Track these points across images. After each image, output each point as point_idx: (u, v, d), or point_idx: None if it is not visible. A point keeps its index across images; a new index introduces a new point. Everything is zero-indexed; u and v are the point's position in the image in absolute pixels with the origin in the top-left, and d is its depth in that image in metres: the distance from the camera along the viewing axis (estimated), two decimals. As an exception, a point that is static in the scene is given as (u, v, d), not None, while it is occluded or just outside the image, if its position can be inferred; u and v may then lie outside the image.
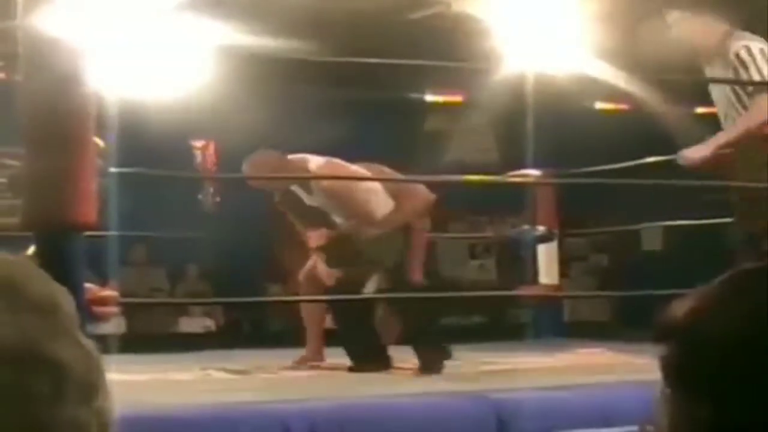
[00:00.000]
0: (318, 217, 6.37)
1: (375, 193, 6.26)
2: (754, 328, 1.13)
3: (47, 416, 0.91)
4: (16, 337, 0.92)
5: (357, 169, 6.33)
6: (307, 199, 6.34)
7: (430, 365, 5.75)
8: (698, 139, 7.20)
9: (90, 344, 0.98)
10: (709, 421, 1.13)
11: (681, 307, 1.19)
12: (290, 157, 6.34)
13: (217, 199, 7.77)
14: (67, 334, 0.96)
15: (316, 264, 6.29)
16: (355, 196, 6.21)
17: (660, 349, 1.19)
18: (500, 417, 3.85)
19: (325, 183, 6.20)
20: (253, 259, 11.84)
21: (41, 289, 0.97)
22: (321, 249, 6.29)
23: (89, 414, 0.94)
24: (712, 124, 7.99)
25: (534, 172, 7.62)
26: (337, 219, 6.35)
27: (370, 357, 5.97)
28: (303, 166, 6.28)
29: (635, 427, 1.25)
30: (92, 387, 0.95)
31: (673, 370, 1.18)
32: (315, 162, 6.29)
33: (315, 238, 6.35)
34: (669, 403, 1.17)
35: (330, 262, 6.25)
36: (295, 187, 6.36)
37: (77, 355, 0.95)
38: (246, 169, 6.29)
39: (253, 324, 12.28)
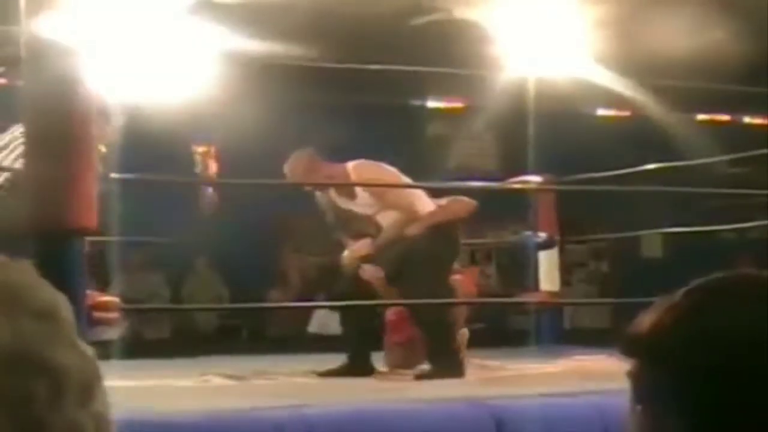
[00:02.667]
0: (361, 225, 6.38)
1: (414, 192, 6.31)
2: (714, 344, 1.12)
3: (45, 420, 0.92)
4: (15, 342, 0.92)
5: (389, 168, 6.36)
6: (351, 205, 6.34)
7: (448, 370, 5.79)
8: (698, 147, 7.21)
9: (88, 349, 0.98)
10: None
11: (644, 322, 1.18)
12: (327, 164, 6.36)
13: (216, 203, 7.76)
14: (65, 340, 0.96)
15: (364, 268, 6.29)
16: (398, 192, 6.25)
17: (628, 365, 1.19)
18: (499, 423, 3.85)
19: (365, 182, 6.22)
20: (254, 264, 11.85)
21: (40, 295, 0.97)
22: (364, 258, 6.29)
23: (87, 418, 0.94)
24: (713, 131, 8.01)
25: (535, 179, 7.62)
26: (382, 220, 6.33)
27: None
28: (340, 170, 6.29)
29: None
30: (90, 391, 0.96)
31: (643, 388, 1.17)
32: (350, 163, 6.32)
33: (359, 247, 6.35)
34: (642, 420, 1.17)
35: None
36: (335, 196, 6.36)
37: (75, 360, 0.95)
38: (285, 169, 6.30)
39: (251, 330, 12.28)
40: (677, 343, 1.14)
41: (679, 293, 1.18)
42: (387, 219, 6.29)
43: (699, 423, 1.11)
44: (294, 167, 6.32)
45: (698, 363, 1.12)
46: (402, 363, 6.30)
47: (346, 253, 6.44)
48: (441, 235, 6.16)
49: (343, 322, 6.66)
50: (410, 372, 6.12)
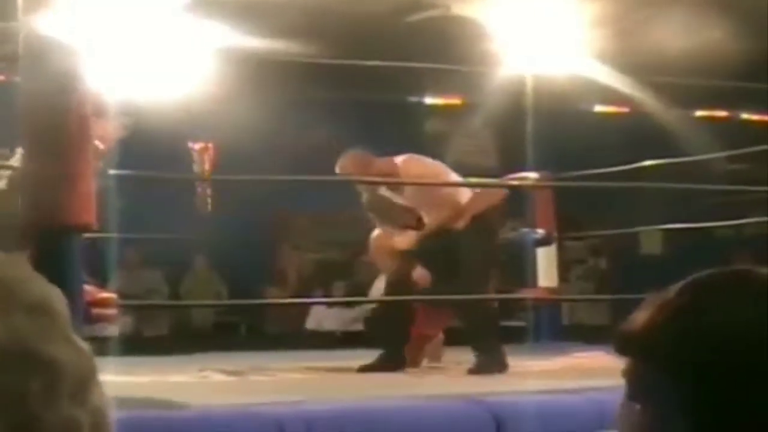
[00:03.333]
0: (406, 218, 6.44)
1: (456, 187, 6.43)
2: (707, 340, 1.12)
3: (39, 416, 0.91)
4: (8, 336, 0.92)
5: (433, 162, 6.42)
6: (397, 198, 6.42)
7: (487, 366, 5.85)
8: (696, 143, 7.20)
9: (84, 345, 0.98)
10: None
11: (637, 319, 1.17)
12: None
13: (212, 200, 7.76)
14: (59, 334, 0.95)
15: (408, 266, 6.33)
16: (444, 187, 6.34)
17: (622, 362, 1.18)
18: (499, 421, 3.85)
19: (414, 177, 6.30)
20: (252, 260, 11.86)
21: (35, 290, 0.97)
22: (410, 251, 6.35)
23: (83, 414, 0.94)
24: (711, 128, 7.99)
25: (532, 175, 7.62)
26: (426, 214, 6.40)
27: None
28: (390, 165, 6.34)
29: None
30: (86, 387, 0.95)
31: (637, 386, 1.16)
32: (399, 158, 6.39)
33: (403, 240, 6.40)
34: (640, 419, 1.16)
35: (421, 263, 6.31)
36: (383, 189, 6.44)
37: (70, 355, 0.95)
38: (337, 168, 6.41)
39: (249, 327, 12.28)
40: (670, 341, 1.14)
41: (672, 290, 1.17)
42: (431, 213, 6.36)
43: (696, 421, 1.11)
44: (346, 165, 6.45)
45: (691, 360, 1.12)
46: (430, 356, 6.40)
47: (375, 234, 6.48)
48: (483, 228, 6.26)
49: (377, 316, 6.75)
50: (438, 365, 6.22)
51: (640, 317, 1.17)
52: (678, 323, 1.14)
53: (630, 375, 1.17)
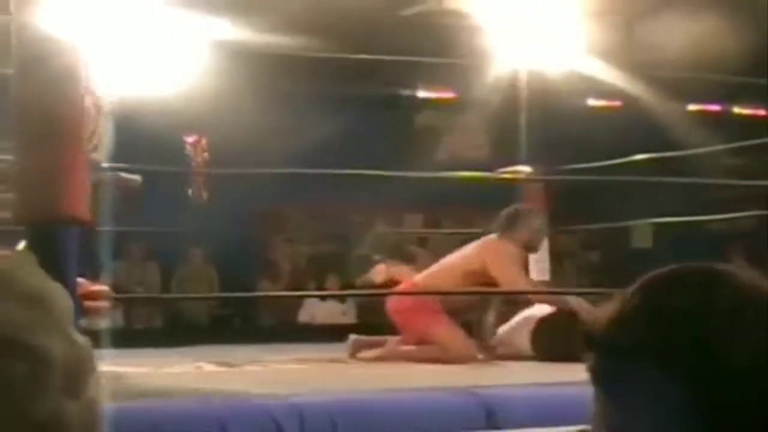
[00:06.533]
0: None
1: None
2: (663, 336, 1.14)
3: (25, 404, 0.91)
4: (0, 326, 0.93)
5: None
6: None
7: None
8: (689, 137, 7.21)
9: (81, 339, 0.98)
10: (631, 421, 1.15)
11: (601, 315, 1.20)
12: None
13: (205, 193, 7.75)
14: (56, 327, 0.96)
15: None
16: None
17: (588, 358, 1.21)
18: (489, 412, 3.87)
19: None
20: (245, 254, 11.86)
21: (30, 281, 0.97)
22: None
23: (75, 408, 0.94)
24: (703, 121, 7.99)
25: (525, 169, 7.63)
26: None
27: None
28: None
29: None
30: (80, 381, 0.95)
31: (600, 381, 1.20)
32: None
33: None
34: (601, 411, 1.18)
35: None
36: None
37: (65, 348, 0.95)
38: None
39: (243, 320, 12.28)
40: (628, 336, 1.16)
41: (634, 286, 1.20)
42: None
43: (656, 415, 1.13)
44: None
45: (648, 355, 1.14)
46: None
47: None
48: None
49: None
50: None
51: (602, 312, 1.20)
52: (634, 317, 1.17)
53: (593, 369, 1.20)
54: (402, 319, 6.49)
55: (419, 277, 6.69)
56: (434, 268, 6.70)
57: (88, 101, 4.26)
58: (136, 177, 5.54)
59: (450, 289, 6.44)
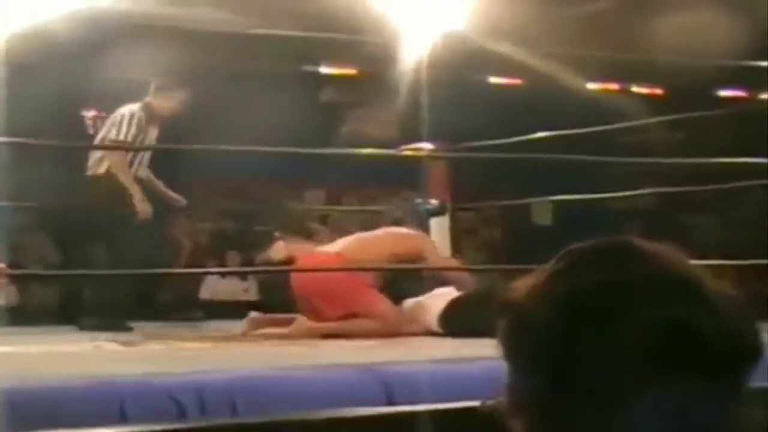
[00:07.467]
0: None
1: None
2: (567, 305, 1.16)
3: None
4: None
5: None
6: None
7: None
8: (590, 115, 7.26)
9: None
10: (538, 391, 1.17)
11: (516, 286, 1.23)
12: None
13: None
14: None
15: None
16: None
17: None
18: (388, 389, 3.87)
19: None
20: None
21: None
22: None
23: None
24: (603, 100, 8.05)
25: (427, 146, 7.65)
26: None
27: None
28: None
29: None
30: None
31: (505, 345, 1.22)
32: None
33: None
34: (506, 377, 1.21)
35: None
36: None
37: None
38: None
39: (142, 296, 12.13)
40: (538, 307, 1.18)
41: (553, 260, 1.22)
42: None
43: (552, 383, 1.16)
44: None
45: (555, 326, 1.16)
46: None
47: None
48: None
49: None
50: None
51: (517, 285, 1.22)
52: (548, 288, 1.19)
53: (500, 336, 1.23)
54: (320, 295, 6.42)
55: (344, 251, 6.64)
56: (354, 243, 6.74)
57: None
58: None
59: (377, 265, 6.54)
